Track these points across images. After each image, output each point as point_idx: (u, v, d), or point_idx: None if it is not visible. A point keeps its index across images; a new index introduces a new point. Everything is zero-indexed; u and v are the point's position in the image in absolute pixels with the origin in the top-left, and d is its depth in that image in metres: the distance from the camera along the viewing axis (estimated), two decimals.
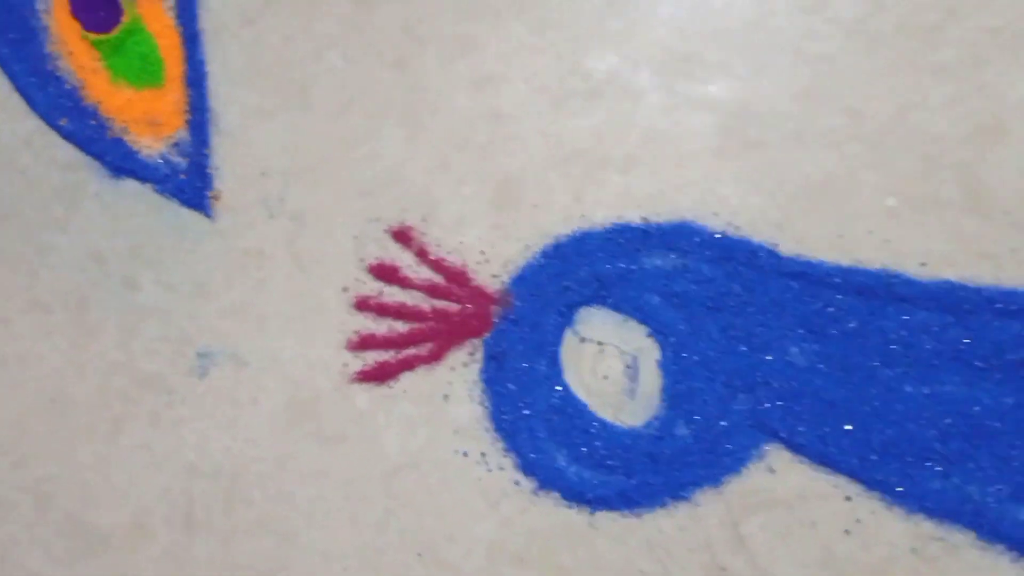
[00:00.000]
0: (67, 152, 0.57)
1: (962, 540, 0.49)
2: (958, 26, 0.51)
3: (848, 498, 0.50)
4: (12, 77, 0.57)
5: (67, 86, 0.57)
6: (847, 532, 0.50)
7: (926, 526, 0.49)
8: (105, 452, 0.55)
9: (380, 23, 0.54)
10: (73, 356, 0.55)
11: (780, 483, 0.50)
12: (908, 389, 0.49)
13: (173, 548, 0.54)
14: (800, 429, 0.50)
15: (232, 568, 0.53)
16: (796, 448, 0.50)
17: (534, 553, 0.52)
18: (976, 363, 0.49)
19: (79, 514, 0.54)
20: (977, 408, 0.49)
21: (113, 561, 0.54)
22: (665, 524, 0.51)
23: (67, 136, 0.56)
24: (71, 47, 0.57)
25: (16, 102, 0.57)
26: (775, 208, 0.51)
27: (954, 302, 0.49)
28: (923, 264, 0.50)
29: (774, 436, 0.50)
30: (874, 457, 0.49)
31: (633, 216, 0.52)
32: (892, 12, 0.51)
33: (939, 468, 0.49)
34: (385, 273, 0.53)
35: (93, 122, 0.56)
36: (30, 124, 0.57)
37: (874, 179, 0.51)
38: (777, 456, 0.50)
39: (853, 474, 0.50)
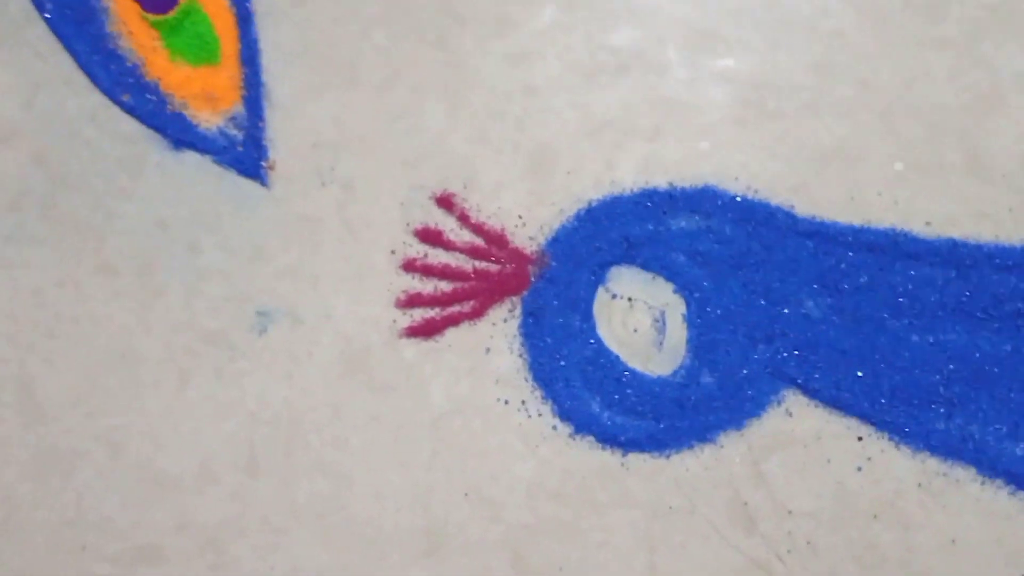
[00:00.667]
0: (130, 125, 0.59)
1: (964, 475, 0.53)
2: (959, 3, 0.54)
3: (860, 438, 0.54)
4: (76, 55, 0.59)
5: (128, 64, 0.60)
6: (859, 469, 0.54)
7: (931, 463, 0.53)
8: (172, 403, 0.58)
9: (422, 3, 0.58)
10: (140, 315, 0.59)
11: (797, 425, 0.54)
12: (914, 338, 0.53)
13: (238, 490, 0.57)
14: (815, 376, 0.54)
15: (293, 508, 0.57)
16: (812, 393, 0.54)
17: (571, 491, 0.56)
18: (977, 314, 0.53)
19: (149, 460, 0.58)
20: (977, 355, 0.53)
21: (183, 504, 0.58)
22: (692, 464, 0.55)
23: (129, 111, 0.59)
24: (131, 27, 0.60)
25: (80, 79, 0.59)
26: (791, 173, 0.55)
27: (956, 258, 0.53)
28: (928, 223, 0.54)
29: (791, 382, 0.54)
30: (883, 400, 0.53)
31: (660, 181, 0.56)
32: None
33: (943, 410, 0.53)
34: (430, 236, 0.57)
35: (154, 97, 0.59)
36: (95, 99, 0.59)
37: (883, 146, 0.54)
38: (794, 400, 0.54)
39: (864, 416, 0.54)
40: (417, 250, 0.57)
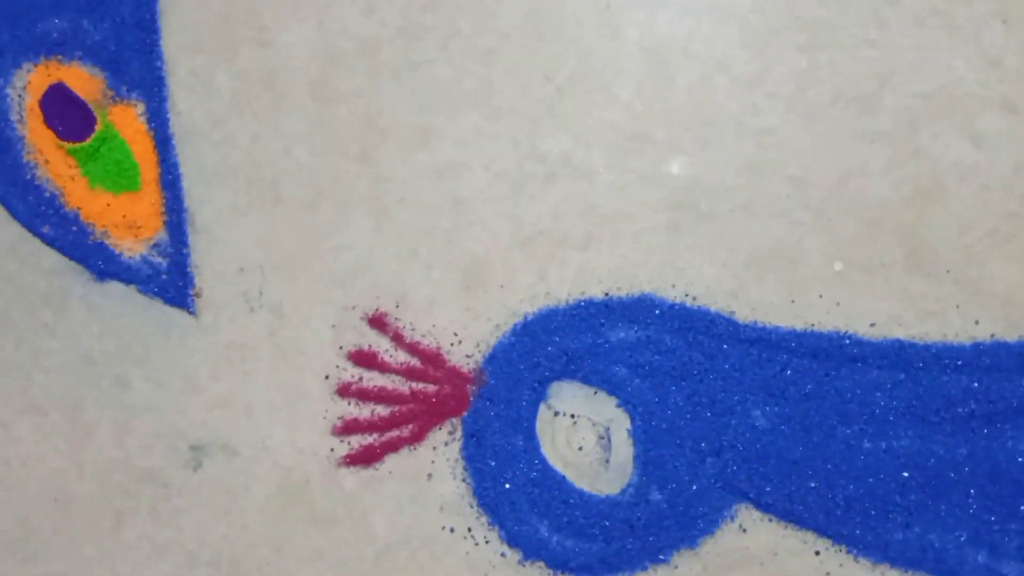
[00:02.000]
0: (51, 258, 0.58)
1: None
2: (892, 93, 0.53)
3: (817, 552, 0.52)
4: None
5: (47, 194, 0.58)
6: None
7: (892, 575, 0.52)
8: (109, 546, 0.57)
9: (343, 118, 0.56)
10: (72, 456, 0.57)
11: (752, 541, 0.53)
12: (866, 445, 0.52)
13: None
14: (767, 489, 0.52)
15: None
16: (765, 507, 0.52)
17: None
18: (929, 417, 0.51)
19: None
20: (932, 460, 0.51)
21: None
22: None
23: (50, 242, 0.58)
24: (47, 156, 0.58)
25: None
26: (728, 277, 0.53)
27: (904, 360, 0.52)
28: (872, 324, 0.52)
29: (743, 496, 0.52)
30: (839, 512, 0.52)
31: (595, 291, 0.54)
32: (828, 83, 0.53)
33: (900, 519, 0.51)
34: (364, 359, 0.55)
35: (75, 228, 0.58)
36: (14, 231, 0.58)
37: (821, 244, 0.53)
38: (748, 515, 0.53)
39: (820, 529, 0.52)
40: (352, 374, 0.56)
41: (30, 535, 0.57)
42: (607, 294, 0.54)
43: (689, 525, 0.53)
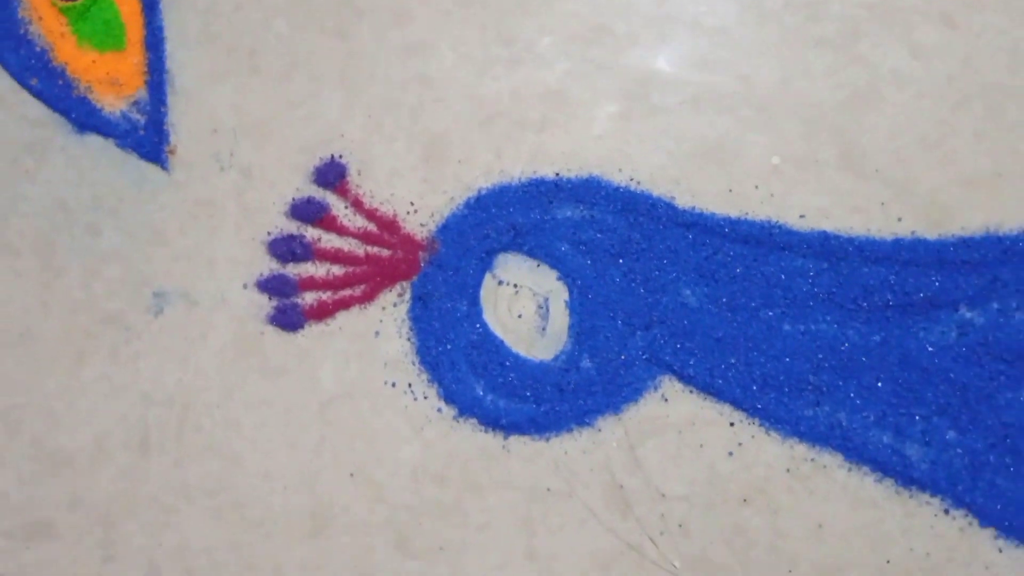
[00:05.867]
0: (37, 109, 0.60)
1: (831, 462, 0.54)
2: (839, 2, 0.56)
3: (732, 424, 0.55)
4: None
5: (37, 49, 0.61)
6: (730, 454, 0.55)
7: (800, 449, 0.55)
8: (68, 383, 0.59)
9: None
10: (40, 295, 0.60)
11: (672, 410, 0.56)
12: (786, 327, 0.55)
13: (130, 469, 0.58)
14: (691, 362, 0.55)
15: (183, 487, 0.58)
16: (687, 379, 0.55)
17: (453, 473, 0.57)
18: (847, 305, 0.54)
19: (44, 438, 0.59)
20: (846, 345, 0.54)
21: (75, 480, 0.58)
22: (570, 447, 0.56)
23: (37, 94, 0.60)
24: (40, 13, 0.61)
25: None
26: (673, 165, 0.56)
27: (828, 250, 0.55)
28: (802, 216, 0.55)
29: (668, 369, 0.55)
30: (755, 388, 0.55)
31: (547, 171, 0.57)
32: None
33: (812, 398, 0.54)
34: (324, 221, 0.58)
35: (60, 82, 0.60)
36: (3, 83, 0.60)
37: (761, 140, 0.56)
38: (670, 386, 0.56)
39: (736, 402, 0.55)
40: (311, 235, 0.58)
41: None
42: (557, 174, 0.57)
43: (615, 392, 0.55)
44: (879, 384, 0.54)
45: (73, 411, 0.59)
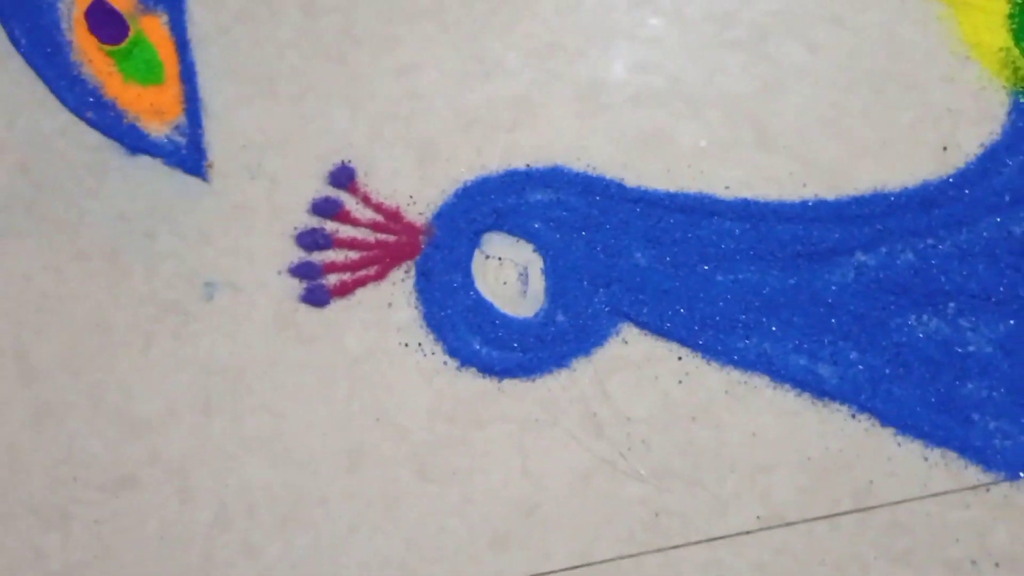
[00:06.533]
0: (94, 137, 0.65)
1: (760, 383, 0.61)
2: (748, 10, 0.64)
3: (680, 358, 0.62)
4: (47, 81, 0.65)
5: (90, 87, 0.66)
6: (680, 382, 0.61)
7: (735, 374, 0.61)
8: (140, 361, 0.63)
9: (325, 28, 0.64)
10: (110, 291, 0.64)
11: (631, 350, 0.62)
12: (719, 278, 0.61)
13: (196, 428, 0.63)
14: (644, 311, 0.61)
15: (241, 439, 0.63)
16: (642, 325, 0.62)
17: (460, 413, 0.62)
18: (766, 256, 0.61)
19: (124, 408, 0.63)
20: (767, 289, 0.61)
21: (152, 440, 0.63)
22: (552, 385, 0.62)
23: (93, 125, 0.65)
24: (90, 56, 0.66)
25: (51, 101, 0.65)
26: (620, 152, 0.63)
27: (749, 214, 0.61)
28: (727, 188, 0.62)
29: (626, 317, 0.62)
30: (697, 328, 0.61)
31: (519, 163, 0.63)
32: (699, 4, 0.64)
33: (743, 333, 0.61)
34: (340, 216, 0.64)
35: (112, 113, 0.65)
36: (64, 117, 0.65)
37: (691, 128, 0.63)
38: (629, 331, 0.62)
39: (682, 341, 0.61)
40: (330, 227, 0.64)
41: (77, 353, 0.64)
42: (528, 165, 0.63)
43: (584, 339, 0.61)
44: (794, 319, 0.60)
45: (146, 383, 0.63)
